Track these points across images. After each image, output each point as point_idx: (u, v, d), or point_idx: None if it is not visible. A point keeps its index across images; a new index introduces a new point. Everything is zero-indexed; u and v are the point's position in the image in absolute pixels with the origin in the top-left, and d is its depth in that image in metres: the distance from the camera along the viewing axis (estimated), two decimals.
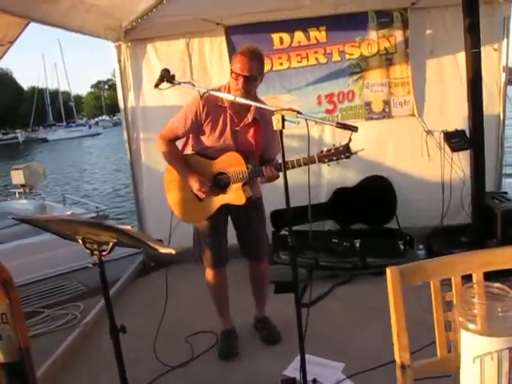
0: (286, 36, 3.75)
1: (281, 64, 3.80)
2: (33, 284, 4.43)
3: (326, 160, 2.14)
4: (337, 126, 1.91)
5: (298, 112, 1.80)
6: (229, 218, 2.63)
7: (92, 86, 74.63)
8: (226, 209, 2.48)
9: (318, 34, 3.72)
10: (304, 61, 3.78)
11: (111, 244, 1.56)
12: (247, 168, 2.29)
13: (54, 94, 57.73)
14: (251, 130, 2.38)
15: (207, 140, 2.40)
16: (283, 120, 1.78)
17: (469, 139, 3.34)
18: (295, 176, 3.99)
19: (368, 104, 3.81)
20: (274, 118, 1.76)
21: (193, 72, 3.86)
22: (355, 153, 2.13)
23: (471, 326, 0.91)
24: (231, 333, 2.72)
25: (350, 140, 2.02)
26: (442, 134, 3.55)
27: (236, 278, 2.85)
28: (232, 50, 3.81)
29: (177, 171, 2.48)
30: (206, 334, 2.80)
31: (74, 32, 3.18)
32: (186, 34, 3.84)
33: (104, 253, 1.60)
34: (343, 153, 2.11)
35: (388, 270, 1.19)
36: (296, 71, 3.81)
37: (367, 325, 2.75)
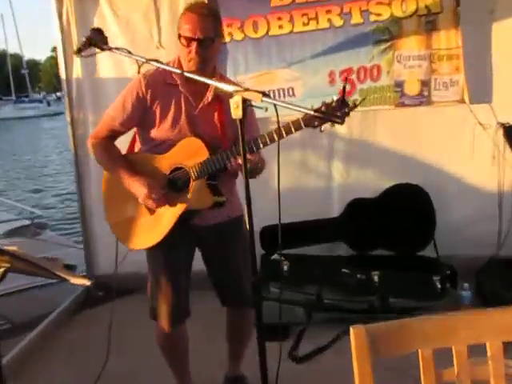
0: None
1: (280, 27, 3.58)
2: None
3: (316, 123, 1.97)
4: (313, 116, 1.74)
5: (264, 93, 1.58)
6: (196, 249, 2.48)
7: (53, 50, 75.08)
8: (191, 232, 2.34)
9: None
10: (312, 23, 3.54)
11: (1, 270, 1.61)
12: (210, 155, 2.19)
13: (0, 56, 55.81)
14: (214, 112, 2.30)
15: (157, 132, 2.30)
16: (244, 105, 1.57)
17: None
18: (295, 178, 3.93)
19: (399, 84, 3.55)
20: (231, 101, 1.58)
21: (161, 35, 3.73)
22: (354, 106, 1.89)
23: None
24: None
25: (344, 89, 1.88)
26: (502, 128, 3.43)
27: (202, 320, 2.73)
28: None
29: (116, 176, 2.35)
30: None
31: None
32: None
33: None
34: (339, 108, 1.89)
35: (352, 331, 1.12)
36: (301, 37, 3.57)
37: None
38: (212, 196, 2.25)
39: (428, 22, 3.50)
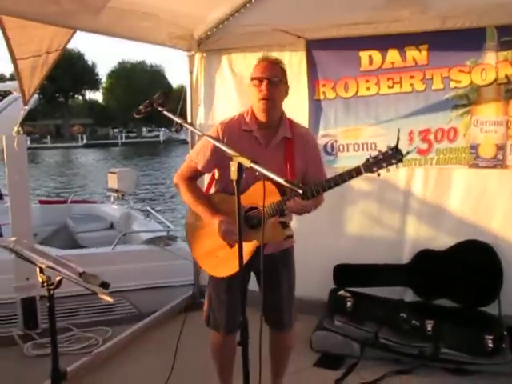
0: (376, 55, 3.72)
1: (368, 89, 3.79)
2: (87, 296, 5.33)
3: (374, 169, 2.17)
4: (283, 184, 1.94)
5: (253, 161, 1.85)
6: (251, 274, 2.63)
7: None
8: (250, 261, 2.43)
9: (417, 55, 3.61)
10: (396, 86, 3.71)
11: (59, 278, 1.80)
12: (281, 196, 2.31)
13: None
14: (283, 151, 2.49)
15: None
16: (239, 168, 1.84)
17: None
18: (372, 226, 4.09)
19: (474, 147, 3.58)
20: (231, 163, 1.86)
21: None
22: (407, 153, 2.18)
23: None
24: None
25: (398, 140, 2.12)
26: None
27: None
28: (312, 68, 3.93)
29: (199, 213, 2.54)
30: None
31: (127, 39, 3.67)
32: (263, 47, 3.96)
33: (52, 286, 1.84)
34: (393, 156, 2.13)
35: None
36: (386, 98, 3.75)
37: None
38: (283, 231, 2.43)
39: (507, 91, 3.50)
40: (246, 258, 2.34)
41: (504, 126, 3.54)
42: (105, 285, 1.78)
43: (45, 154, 46.60)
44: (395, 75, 3.76)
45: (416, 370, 3.32)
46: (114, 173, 7.43)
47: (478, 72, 3.54)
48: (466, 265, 3.65)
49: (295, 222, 2.66)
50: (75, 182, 24.78)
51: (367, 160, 2.18)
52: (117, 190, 7.43)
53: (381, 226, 3.98)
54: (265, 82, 2.41)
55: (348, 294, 3.77)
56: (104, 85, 64.73)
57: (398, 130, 2.17)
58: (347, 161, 3.80)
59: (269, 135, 2.52)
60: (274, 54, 4.07)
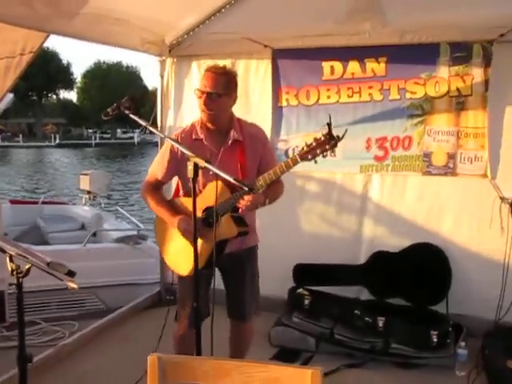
0: (338, 65, 3.90)
1: (328, 97, 3.98)
2: (59, 291, 5.41)
3: (309, 156, 2.26)
4: (233, 183, 2.11)
5: (207, 161, 2.03)
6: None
7: None
8: (219, 256, 2.54)
9: (376, 66, 3.80)
10: (355, 96, 3.90)
11: (28, 266, 1.84)
12: (231, 193, 2.45)
13: None
14: (235, 153, 2.61)
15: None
16: (196, 168, 2.01)
17: None
18: (331, 227, 4.27)
19: (427, 155, 3.77)
20: (188, 163, 2.03)
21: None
22: (341, 138, 2.22)
23: None
24: None
25: (330, 125, 2.20)
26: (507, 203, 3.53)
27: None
28: (277, 76, 4.09)
29: (162, 217, 2.68)
30: None
31: (101, 44, 3.76)
32: (232, 54, 4.18)
33: (20, 274, 1.86)
34: (327, 142, 2.22)
35: (148, 359, 1.30)
36: (345, 107, 3.93)
37: None
38: (236, 227, 2.57)
39: (458, 103, 3.72)
40: (206, 255, 2.54)
41: (455, 136, 3.75)
42: (71, 273, 1.87)
43: (16, 152, 45.89)
44: (355, 85, 3.95)
45: (367, 363, 3.49)
46: (86, 174, 7.50)
47: (432, 84, 3.76)
48: (417, 266, 3.84)
49: (257, 222, 2.82)
50: (46, 182, 24.55)
51: (302, 148, 2.31)
52: (89, 192, 7.50)
53: (339, 227, 4.16)
54: (204, 96, 2.52)
55: (306, 292, 3.94)
56: (79, 84, 63.98)
57: (330, 116, 2.24)
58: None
59: (219, 141, 2.65)
60: (242, 62, 4.32)
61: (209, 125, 2.64)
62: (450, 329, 3.52)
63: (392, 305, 3.86)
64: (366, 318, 3.65)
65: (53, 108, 65.42)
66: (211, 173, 2.10)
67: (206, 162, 2.06)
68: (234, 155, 2.64)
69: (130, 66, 65.25)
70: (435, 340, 3.42)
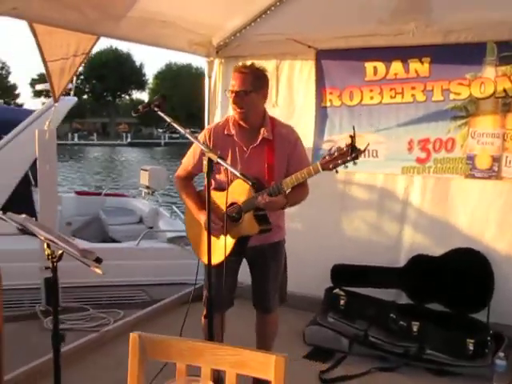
0: (381, 66, 3.88)
1: (371, 98, 3.96)
2: (112, 288, 5.72)
3: (330, 166, 2.30)
4: (328, 160, 2.23)
5: (219, 156, 2.07)
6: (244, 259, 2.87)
7: None
8: (242, 249, 2.70)
9: (420, 67, 3.74)
10: (398, 97, 3.86)
11: (60, 252, 1.98)
12: (256, 192, 2.48)
13: None
14: (263, 152, 2.67)
15: (220, 174, 2.72)
16: (210, 163, 2.06)
17: None
18: (374, 230, 4.23)
19: (471, 158, 3.68)
20: (203, 158, 2.09)
21: (278, 96, 4.31)
22: (363, 151, 2.24)
23: None
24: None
25: (352, 137, 2.22)
26: None
27: (237, 326, 3.19)
28: (321, 76, 4.11)
29: (190, 208, 2.82)
30: None
31: (149, 46, 3.97)
32: (277, 55, 4.28)
33: (55, 259, 2.01)
34: (348, 153, 2.24)
35: (131, 335, 1.40)
36: (388, 108, 3.90)
37: None
38: (258, 225, 2.61)
39: (505, 104, 3.59)
40: (229, 248, 2.61)
41: (500, 139, 3.62)
42: (98, 260, 2.01)
43: (90, 150, 48.02)
44: (398, 86, 3.91)
45: (400, 368, 3.44)
46: (145, 170, 7.79)
47: (477, 85, 3.65)
48: (458, 271, 3.74)
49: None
50: (114, 177, 25.62)
51: (323, 157, 2.34)
52: (147, 187, 7.80)
53: (379, 229, 4.12)
54: (232, 96, 2.60)
55: (342, 293, 3.92)
56: (150, 85, 66.08)
57: (353, 128, 2.27)
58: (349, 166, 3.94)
59: (250, 138, 2.71)
60: (287, 62, 4.37)
61: (241, 122, 2.71)
62: (489, 338, 3.40)
63: (430, 310, 3.78)
64: (401, 322, 3.59)
65: (126, 108, 67.89)
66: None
67: (219, 157, 2.11)
68: (263, 154, 2.69)
69: (199, 68, 66.55)
70: (471, 348, 3.32)
